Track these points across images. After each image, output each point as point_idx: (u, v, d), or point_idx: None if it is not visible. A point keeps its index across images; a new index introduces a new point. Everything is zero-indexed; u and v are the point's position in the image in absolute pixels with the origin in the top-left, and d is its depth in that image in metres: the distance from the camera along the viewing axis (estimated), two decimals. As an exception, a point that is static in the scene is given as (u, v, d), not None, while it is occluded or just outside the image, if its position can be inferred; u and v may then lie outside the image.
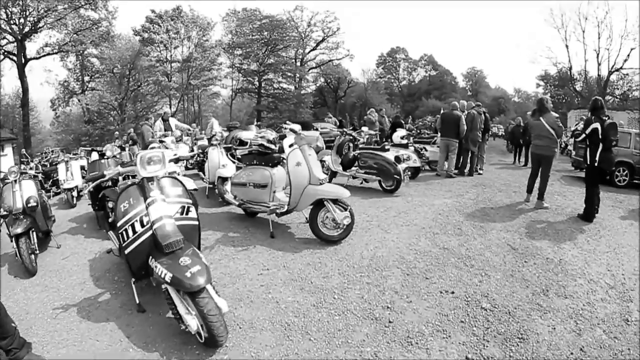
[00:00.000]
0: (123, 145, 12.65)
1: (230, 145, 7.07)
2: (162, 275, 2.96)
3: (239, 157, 6.52)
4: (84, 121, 37.12)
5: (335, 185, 5.25)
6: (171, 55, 40.91)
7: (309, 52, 47.20)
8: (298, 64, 46.02)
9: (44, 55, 32.99)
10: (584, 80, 38.05)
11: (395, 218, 6.19)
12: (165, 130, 10.96)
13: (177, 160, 4.33)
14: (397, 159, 7.91)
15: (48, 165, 15.60)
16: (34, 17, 30.26)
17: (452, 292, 3.73)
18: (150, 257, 3.24)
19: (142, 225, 3.25)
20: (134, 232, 3.25)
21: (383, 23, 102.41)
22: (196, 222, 3.58)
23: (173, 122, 11.39)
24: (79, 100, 37.40)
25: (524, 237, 5.22)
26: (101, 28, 34.65)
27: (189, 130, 12.97)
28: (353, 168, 8.72)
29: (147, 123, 12.34)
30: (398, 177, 7.77)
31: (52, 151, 18.88)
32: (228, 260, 4.73)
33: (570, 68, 35.82)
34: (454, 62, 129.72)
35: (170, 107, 41.01)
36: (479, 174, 10.74)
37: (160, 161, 3.41)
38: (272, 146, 5.84)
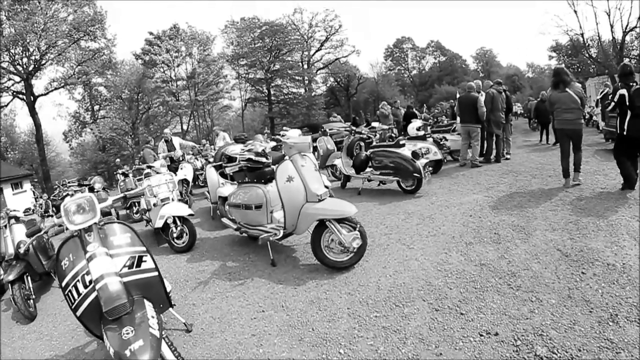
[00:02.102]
0: (126, 172, 12.05)
1: (220, 163, 6.32)
2: (108, 348, 2.38)
3: (231, 174, 5.74)
4: (98, 149, 37.41)
5: (338, 200, 4.37)
6: (175, 75, 40.96)
7: (314, 53, 46.59)
8: (305, 66, 45.43)
9: (52, 91, 33.62)
10: (597, 46, 35.92)
11: (419, 226, 5.25)
12: (168, 150, 10.56)
13: (124, 198, 3.57)
14: (415, 155, 6.96)
15: (58, 199, 15.30)
16: (36, 56, 30.80)
17: (496, 334, 2.78)
18: (101, 320, 2.62)
19: (85, 286, 2.63)
20: (79, 293, 2.64)
21: (384, 14, 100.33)
22: (154, 274, 2.91)
23: (177, 141, 10.95)
24: (91, 130, 37.81)
25: (574, 237, 4.20)
26: (103, 57, 34.92)
27: (195, 148, 12.34)
28: (367, 169, 7.86)
29: (149, 146, 11.84)
30: (418, 176, 6.83)
31: (68, 183, 18.81)
32: (221, 300, 4.05)
33: (582, 34, 33.66)
34: (461, 45, 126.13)
35: (182, 126, 41.20)
36: (507, 159, 9.66)
37: (90, 208, 2.75)
38: (263, 159, 5.02)
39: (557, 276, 3.43)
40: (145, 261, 2.89)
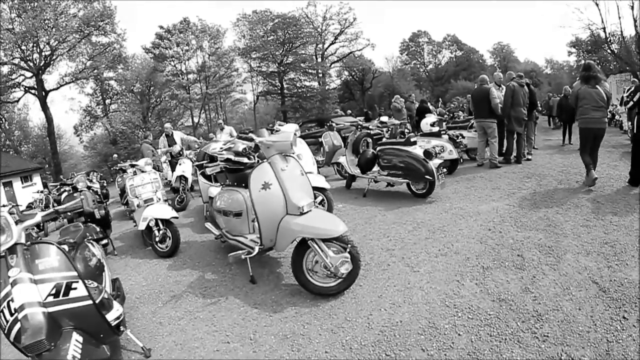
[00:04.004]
0: (124, 168, 11.54)
1: (202, 162, 5.69)
2: None
3: (214, 175, 5.09)
4: (109, 142, 37.56)
5: (324, 214, 3.63)
6: (186, 68, 40.80)
7: (328, 46, 45.80)
8: (319, 59, 44.68)
9: (63, 85, 34.07)
10: (619, 41, 34.01)
11: (428, 241, 4.45)
12: (169, 145, 10.11)
13: (56, 212, 3.06)
14: (428, 154, 6.14)
15: (57, 195, 14.93)
16: (46, 52, 31.32)
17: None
18: None
19: (11, 313, 2.34)
20: (6, 320, 2.35)
21: (399, 8, 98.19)
22: (86, 303, 2.50)
23: (178, 135, 10.51)
24: (102, 124, 38.18)
25: (612, 263, 3.39)
26: (114, 51, 35.17)
27: (197, 142, 11.75)
28: (374, 169, 7.11)
29: (147, 141, 11.32)
30: (430, 178, 6.02)
31: (73, 175, 18.71)
32: (188, 321, 3.53)
33: (604, 28, 31.96)
34: (478, 39, 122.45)
35: (192, 119, 41.01)
36: (528, 159, 8.75)
37: (7, 229, 2.46)
38: (245, 159, 4.32)
39: (592, 321, 2.64)
40: (75, 288, 2.49)
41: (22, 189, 25.75)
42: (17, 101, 34.98)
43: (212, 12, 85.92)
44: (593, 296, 2.95)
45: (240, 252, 3.80)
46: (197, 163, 6.44)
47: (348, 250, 3.27)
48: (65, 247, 3.37)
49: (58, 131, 38.79)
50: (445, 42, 59.57)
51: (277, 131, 5.94)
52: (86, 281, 2.73)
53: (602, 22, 31.09)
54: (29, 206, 16.85)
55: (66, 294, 2.43)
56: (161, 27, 39.03)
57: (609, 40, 33.11)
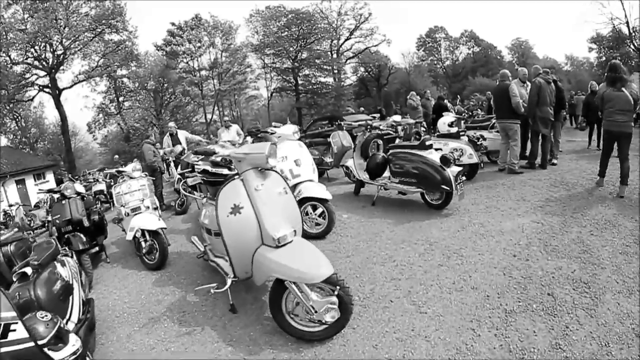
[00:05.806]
0: (120, 170, 11.11)
1: (183, 172, 5.12)
2: None
3: (198, 186, 4.54)
4: (122, 139, 37.79)
5: (308, 249, 2.90)
6: (198, 65, 40.71)
7: (344, 42, 45.19)
8: (334, 55, 44.16)
9: (76, 84, 34.41)
10: None
11: (441, 270, 3.78)
12: (173, 145, 9.73)
13: None
14: (445, 161, 5.38)
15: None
16: (59, 51, 31.72)
17: None
18: None
19: None
20: None
21: (416, 3, 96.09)
22: (27, 345, 2.34)
23: (182, 135, 10.16)
24: (116, 121, 38.57)
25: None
26: (126, 49, 35.27)
27: (202, 142, 11.29)
28: (385, 174, 6.44)
29: (149, 141, 10.86)
30: (447, 188, 5.27)
31: (89, 173, 18.79)
32: (159, 352, 3.21)
33: (627, 23, 30.63)
34: (496, 35, 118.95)
35: (205, 116, 40.94)
36: (553, 164, 7.90)
37: None
38: (224, 170, 3.71)
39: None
40: (13, 330, 2.36)
41: (34, 186, 25.80)
42: (32, 100, 35.41)
43: (223, 9, 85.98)
44: (636, 358, 2.31)
45: (209, 285, 3.22)
46: (180, 171, 5.90)
47: (337, 292, 2.63)
48: (29, 269, 3.13)
49: (73, 128, 39.49)
50: (463, 38, 58.18)
51: (273, 133, 5.37)
52: (38, 313, 2.56)
53: (625, 16, 29.92)
54: (36, 205, 16.68)
55: (4, 336, 2.30)
56: (173, 24, 38.84)
57: (632, 35, 31.92)
